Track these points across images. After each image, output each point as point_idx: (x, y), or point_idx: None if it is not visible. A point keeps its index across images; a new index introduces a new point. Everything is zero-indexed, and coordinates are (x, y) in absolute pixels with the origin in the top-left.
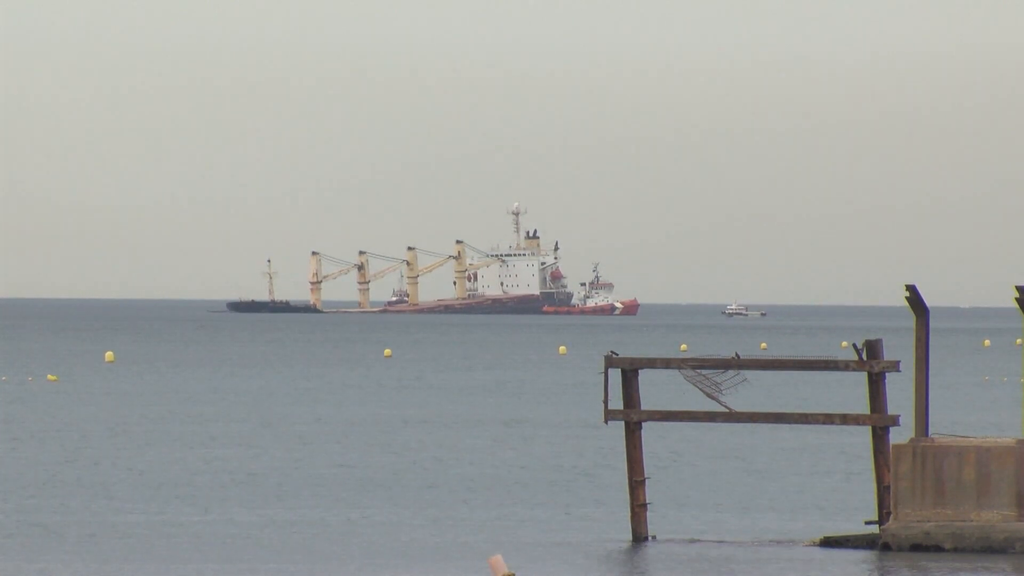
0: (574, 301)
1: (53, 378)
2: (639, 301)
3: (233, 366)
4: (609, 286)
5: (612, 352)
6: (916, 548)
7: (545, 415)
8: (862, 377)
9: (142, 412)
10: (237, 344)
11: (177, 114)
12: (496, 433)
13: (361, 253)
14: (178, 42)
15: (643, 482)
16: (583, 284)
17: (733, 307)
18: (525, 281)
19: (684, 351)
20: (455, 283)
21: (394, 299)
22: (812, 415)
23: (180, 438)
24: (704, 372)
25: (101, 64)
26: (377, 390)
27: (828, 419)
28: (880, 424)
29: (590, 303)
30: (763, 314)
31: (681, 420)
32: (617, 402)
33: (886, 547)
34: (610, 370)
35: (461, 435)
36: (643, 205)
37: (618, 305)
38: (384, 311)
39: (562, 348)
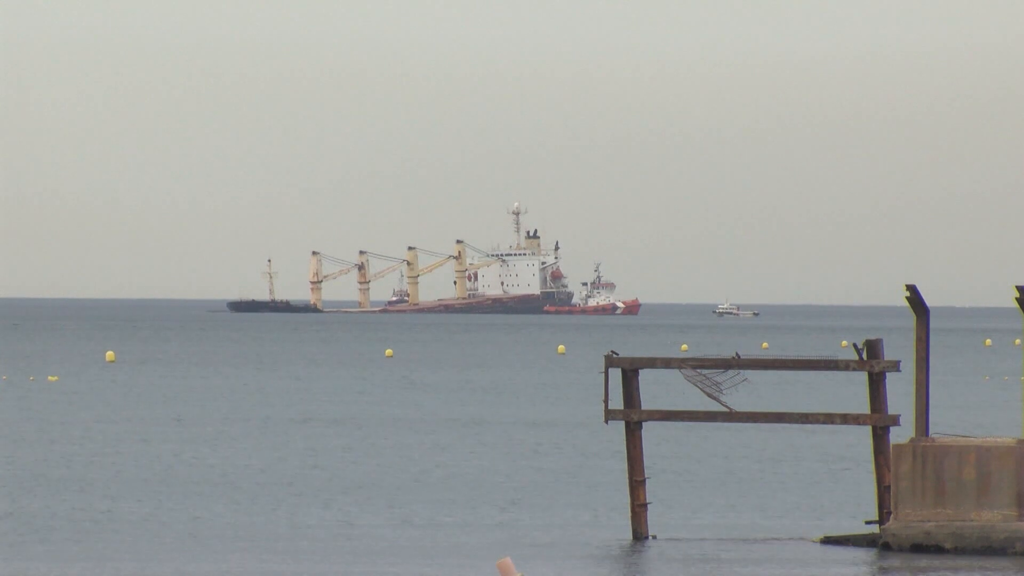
0: (575, 301)
1: (54, 378)
2: (640, 301)
3: (231, 365)
4: (611, 286)
5: (612, 352)
6: (916, 548)
7: (545, 415)
8: (862, 377)
9: (139, 411)
10: (236, 344)
11: (177, 113)
12: (495, 433)
13: (361, 253)
14: (178, 42)
15: (643, 482)
16: (585, 284)
17: (724, 306)
18: (525, 281)
19: (685, 351)
20: (455, 283)
21: (394, 299)
22: (813, 415)
23: (173, 436)
24: (705, 372)
25: (101, 64)
26: (377, 390)
27: (828, 419)
28: (880, 424)
29: (591, 303)
30: (755, 314)
31: (682, 420)
32: (617, 402)
33: (886, 547)
34: (610, 370)
35: (460, 435)
36: (643, 205)
37: (619, 305)
38: (384, 311)
39: (561, 347)
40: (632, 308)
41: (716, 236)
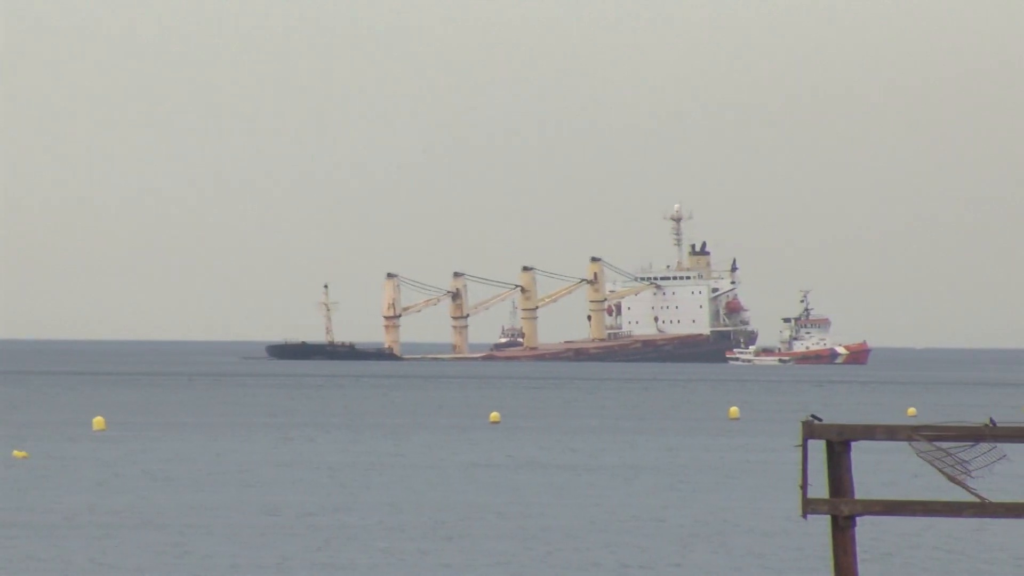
0: (775, 344)
1: (21, 454)
2: (869, 345)
3: (262, 433)
4: (824, 323)
5: (813, 417)
6: None
7: (716, 505)
8: None
9: (114, 499)
10: (272, 402)
11: (188, 108)
12: (659, 534)
13: (457, 276)
14: (198, 42)
15: None
16: (787, 320)
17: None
18: (689, 315)
19: (912, 416)
20: (589, 318)
21: (503, 341)
22: None
23: (164, 530)
24: (946, 446)
25: (98, 64)
26: (481, 473)
27: None
28: None
29: (799, 347)
30: (782, 360)
31: (912, 514)
32: (820, 488)
33: None
34: (811, 442)
35: (609, 536)
36: (865, 205)
37: (841, 351)
38: (489, 357)
39: (734, 409)
40: (858, 355)
41: (972, 250)
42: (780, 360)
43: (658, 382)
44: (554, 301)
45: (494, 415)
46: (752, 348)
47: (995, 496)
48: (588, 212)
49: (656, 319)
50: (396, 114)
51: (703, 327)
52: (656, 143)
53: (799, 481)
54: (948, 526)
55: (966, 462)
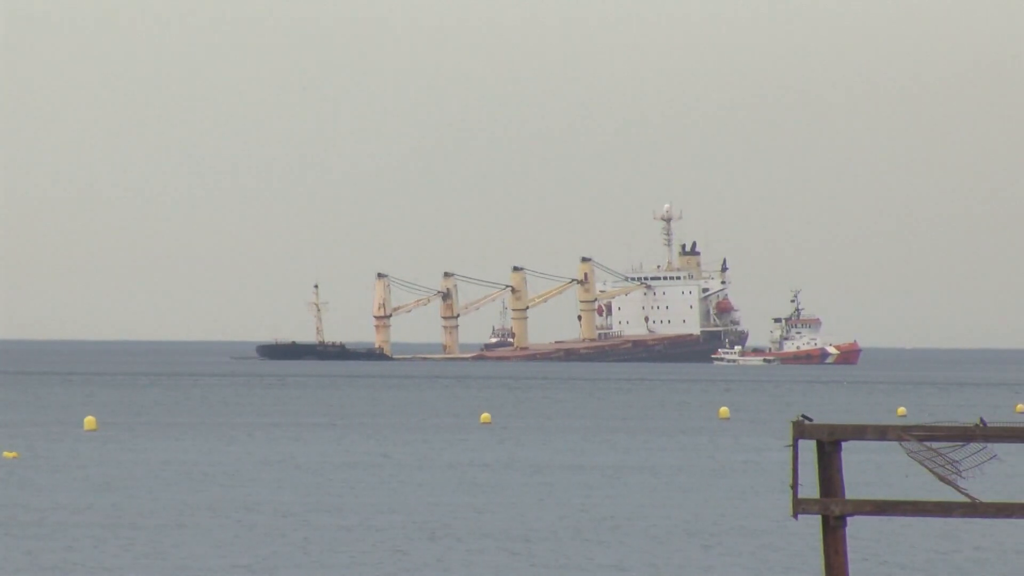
0: (766, 344)
1: (12, 454)
2: (859, 345)
3: (251, 434)
4: (815, 323)
5: (803, 417)
6: None
7: (706, 506)
8: None
9: (107, 500)
10: (262, 403)
11: (180, 104)
12: (648, 534)
13: (447, 276)
14: (196, 38)
15: None
16: (778, 320)
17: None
18: (679, 315)
19: (903, 416)
20: (580, 318)
21: (494, 341)
22: None
23: (153, 534)
24: (936, 446)
25: (94, 58)
26: (462, 471)
27: None
28: None
29: (789, 347)
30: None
31: (903, 514)
32: (811, 488)
33: None
34: (801, 442)
35: (598, 535)
36: (859, 211)
37: (831, 351)
38: (480, 357)
39: (724, 410)
40: (849, 355)
41: (966, 250)
42: (765, 360)
43: (648, 382)
44: (544, 301)
45: (485, 415)
46: (738, 348)
47: (985, 496)
48: (578, 212)
49: (646, 319)
50: (386, 114)
51: (693, 327)
52: (646, 143)
53: (789, 481)
54: (939, 526)
55: (956, 462)
